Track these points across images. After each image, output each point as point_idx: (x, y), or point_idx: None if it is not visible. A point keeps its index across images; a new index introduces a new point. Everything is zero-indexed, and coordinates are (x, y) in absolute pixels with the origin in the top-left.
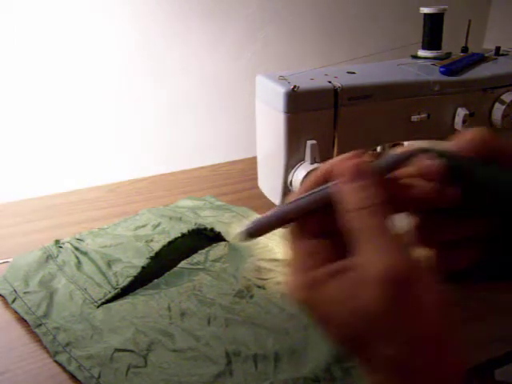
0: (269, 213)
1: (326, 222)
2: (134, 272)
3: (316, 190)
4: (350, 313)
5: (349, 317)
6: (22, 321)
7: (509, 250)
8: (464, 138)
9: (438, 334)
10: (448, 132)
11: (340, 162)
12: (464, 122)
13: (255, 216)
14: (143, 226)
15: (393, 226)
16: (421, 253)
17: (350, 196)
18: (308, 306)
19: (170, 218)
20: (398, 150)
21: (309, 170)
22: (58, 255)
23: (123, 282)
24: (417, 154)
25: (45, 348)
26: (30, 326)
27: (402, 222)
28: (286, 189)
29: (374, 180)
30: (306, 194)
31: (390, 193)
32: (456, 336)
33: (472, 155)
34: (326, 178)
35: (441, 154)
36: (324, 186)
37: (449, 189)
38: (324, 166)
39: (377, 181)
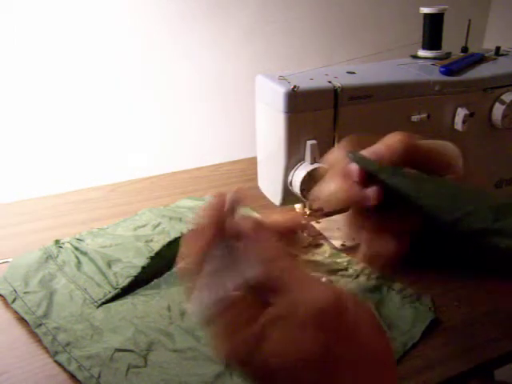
0: None
1: None
2: (134, 272)
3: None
4: (296, 359)
5: (295, 364)
6: (22, 321)
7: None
8: (386, 143)
9: (378, 352)
10: (448, 132)
11: (234, 223)
12: (464, 122)
13: (254, 216)
14: (143, 226)
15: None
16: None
17: (259, 251)
18: (250, 367)
19: (170, 218)
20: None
21: (309, 169)
22: (57, 255)
23: (123, 282)
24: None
25: (45, 348)
26: (30, 326)
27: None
28: (286, 189)
29: (272, 234)
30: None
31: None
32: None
33: (389, 159)
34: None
35: (357, 160)
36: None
37: (368, 190)
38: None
39: (275, 235)
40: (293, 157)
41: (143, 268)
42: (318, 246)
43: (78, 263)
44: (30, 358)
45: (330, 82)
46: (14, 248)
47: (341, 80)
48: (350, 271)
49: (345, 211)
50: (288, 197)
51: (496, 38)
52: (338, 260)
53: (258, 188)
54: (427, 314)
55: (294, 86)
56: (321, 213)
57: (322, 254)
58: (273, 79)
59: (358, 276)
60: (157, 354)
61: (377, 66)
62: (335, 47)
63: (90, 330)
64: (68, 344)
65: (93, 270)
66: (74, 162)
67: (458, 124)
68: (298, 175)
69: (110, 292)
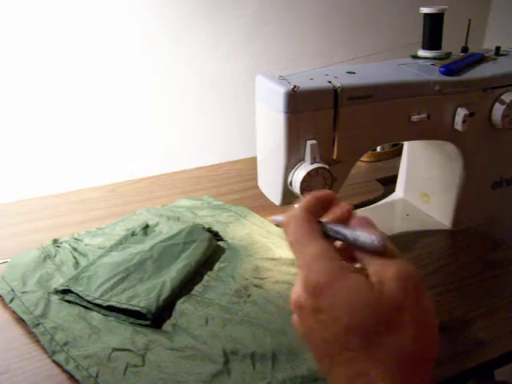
0: None
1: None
2: None
3: None
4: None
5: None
6: (20, 321)
7: None
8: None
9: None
10: (448, 132)
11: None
12: (464, 122)
13: (253, 216)
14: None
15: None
16: None
17: None
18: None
19: (168, 218)
20: None
21: (309, 169)
22: (55, 255)
23: None
24: None
25: (43, 348)
26: (28, 325)
27: None
28: (286, 189)
29: None
30: None
31: None
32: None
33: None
34: None
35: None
36: None
37: None
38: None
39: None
40: (293, 157)
41: None
42: None
43: (76, 263)
44: (29, 359)
45: (329, 82)
46: (14, 248)
47: (341, 80)
48: None
49: None
50: (288, 197)
51: (496, 38)
52: None
53: (257, 188)
54: None
55: (294, 86)
56: None
57: None
58: (273, 79)
59: None
60: (154, 354)
61: (377, 66)
62: (335, 47)
63: (88, 329)
64: (66, 343)
65: None
66: (73, 162)
67: (458, 124)
68: (298, 175)
69: None
